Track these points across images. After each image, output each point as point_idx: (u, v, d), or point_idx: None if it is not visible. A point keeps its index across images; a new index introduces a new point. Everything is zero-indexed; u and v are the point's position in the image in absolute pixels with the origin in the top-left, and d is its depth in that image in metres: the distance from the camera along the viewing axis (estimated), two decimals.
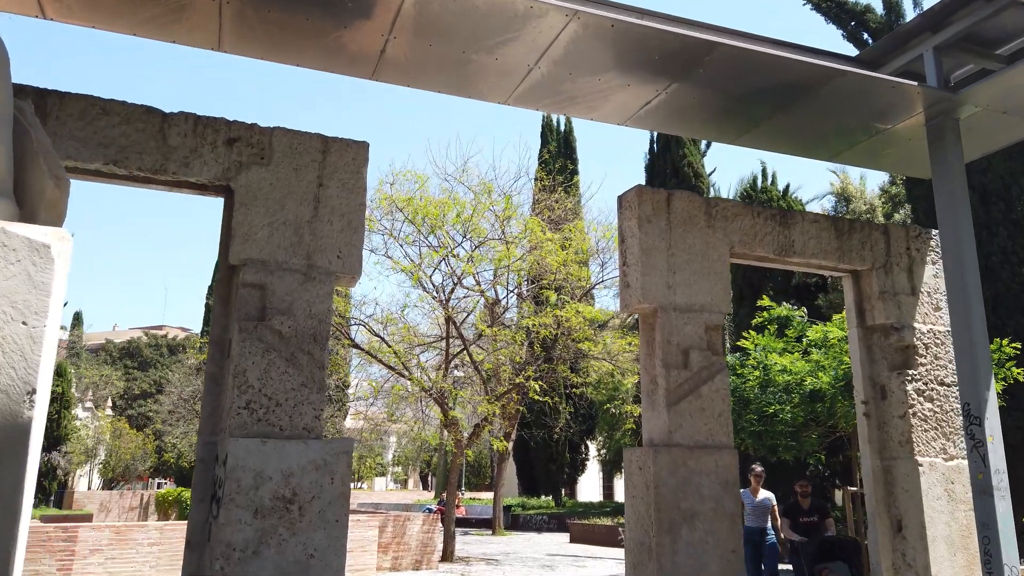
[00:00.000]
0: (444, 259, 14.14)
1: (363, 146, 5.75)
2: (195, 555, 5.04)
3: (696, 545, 5.83)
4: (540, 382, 13.94)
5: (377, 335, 14.49)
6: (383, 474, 60.30)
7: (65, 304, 32.03)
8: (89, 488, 44.69)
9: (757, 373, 10.74)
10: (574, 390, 17.98)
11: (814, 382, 9.90)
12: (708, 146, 24.84)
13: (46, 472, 32.14)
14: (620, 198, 6.73)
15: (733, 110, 6.65)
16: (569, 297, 14.56)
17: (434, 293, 14.32)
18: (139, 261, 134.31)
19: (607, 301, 26.82)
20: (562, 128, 29.97)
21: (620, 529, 19.50)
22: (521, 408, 17.02)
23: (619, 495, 42.74)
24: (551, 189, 18.27)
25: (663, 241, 6.45)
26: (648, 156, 24.19)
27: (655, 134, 24.56)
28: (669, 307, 6.33)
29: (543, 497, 32.04)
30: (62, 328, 50.44)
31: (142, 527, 9.43)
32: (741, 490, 8.52)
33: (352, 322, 15.46)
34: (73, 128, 4.99)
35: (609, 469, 39.23)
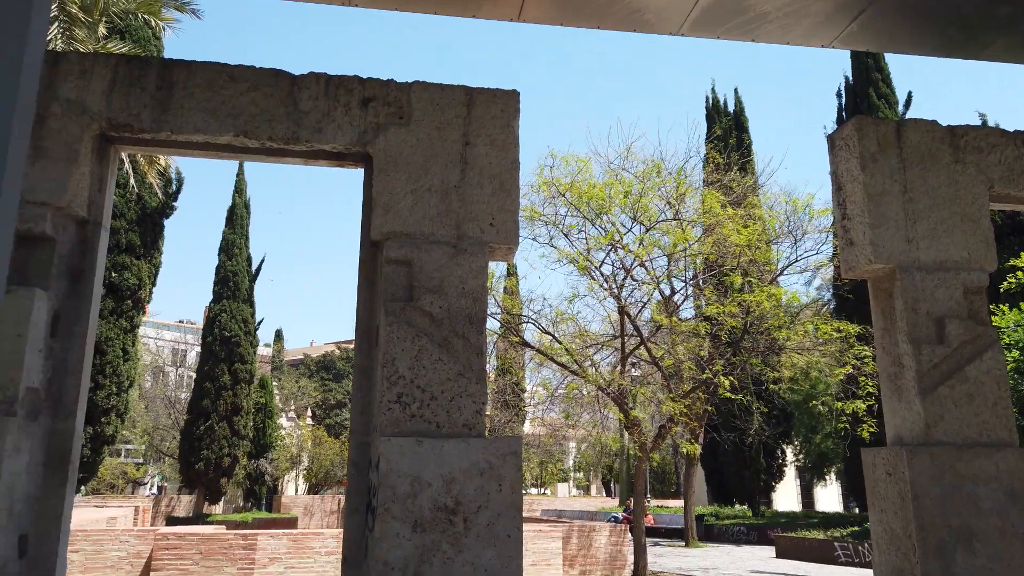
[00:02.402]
0: (612, 247, 13.05)
1: (512, 96, 4.92)
2: (354, 573, 4.39)
3: (978, 575, 4.37)
4: (731, 377, 12.41)
5: (547, 332, 13.68)
6: (565, 480, 59.85)
7: (261, 321, 33.80)
8: (296, 492, 48.07)
9: (1015, 354, 8.66)
10: (772, 386, 16.12)
11: None
12: (907, 106, 21.87)
13: (256, 477, 34.61)
14: (832, 137, 5.39)
15: (980, 6, 5.12)
16: (756, 279, 12.89)
17: (603, 283, 13.24)
18: (333, 280, 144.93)
19: (798, 290, 24.34)
20: (731, 108, 27.81)
21: (836, 545, 17.28)
22: (709, 408, 15.50)
23: (821, 504, 39.19)
24: (725, 168, 16.62)
25: (896, 184, 5.04)
26: (836, 126, 21.67)
27: (843, 100, 22.00)
28: (911, 266, 4.91)
29: (736, 506, 29.78)
30: (265, 345, 54.90)
31: (318, 535, 9.27)
32: None
33: (522, 320, 14.77)
34: (201, 99, 4.56)
35: (808, 476, 36.03)
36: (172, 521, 27.97)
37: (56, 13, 8.41)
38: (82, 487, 19.77)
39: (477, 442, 4.21)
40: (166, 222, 20.29)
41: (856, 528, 19.69)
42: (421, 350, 4.35)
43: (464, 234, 4.63)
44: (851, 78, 21.70)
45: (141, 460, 41.75)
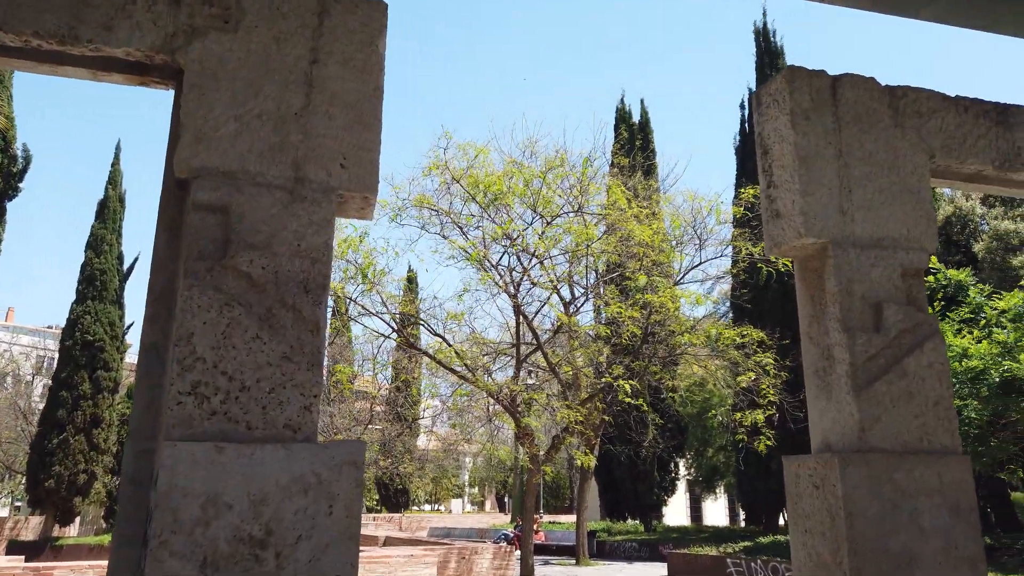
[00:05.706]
0: (511, 241, 12.14)
1: (378, 7, 3.87)
2: None
3: None
4: (632, 381, 11.73)
5: (438, 335, 12.61)
6: (460, 496, 58.44)
7: (131, 325, 30.78)
8: None
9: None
10: (671, 395, 15.64)
11: (1013, 366, 7.37)
12: None
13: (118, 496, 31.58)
14: (758, 93, 4.61)
15: None
16: (660, 279, 12.32)
17: (497, 278, 12.28)
18: None
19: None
20: (636, 118, 27.75)
21: (729, 561, 16.96)
22: (606, 417, 14.81)
23: (709, 518, 39.68)
24: (631, 171, 16.15)
25: (830, 146, 4.33)
26: (739, 139, 21.74)
27: (746, 111, 22.13)
28: (846, 241, 4.19)
29: (629, 521, 29.43)
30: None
31: None
32: None
33: (415, 321, 13.61)
34: None
35: (699, 490, 36.36)
36: (14, 546, 24.93)
37: None
38: None
39: (303, 449, 3.10)
40: (9, 205, 17.92)
41: (748, 543, 19.63)
42: (232, 324, 3.21)
43: (305, 176, 3.54)
44: (755, 88, 21.97)
45: None
